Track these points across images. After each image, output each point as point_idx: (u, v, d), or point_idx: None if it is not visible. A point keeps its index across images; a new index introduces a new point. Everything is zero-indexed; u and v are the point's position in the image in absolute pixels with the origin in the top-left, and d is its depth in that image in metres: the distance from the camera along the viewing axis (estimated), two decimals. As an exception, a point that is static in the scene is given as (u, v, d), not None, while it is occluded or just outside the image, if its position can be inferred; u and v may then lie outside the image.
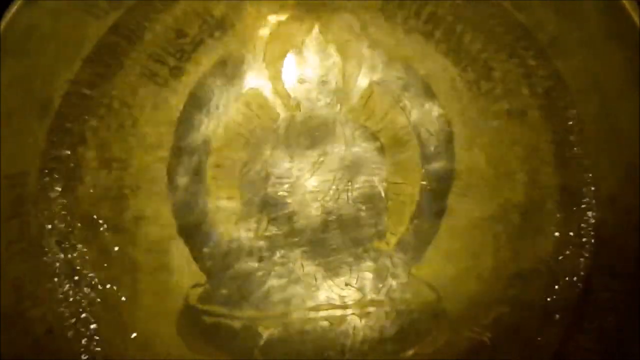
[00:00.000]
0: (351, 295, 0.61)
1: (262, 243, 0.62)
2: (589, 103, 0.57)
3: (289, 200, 0.63)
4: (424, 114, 0.63)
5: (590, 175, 0.57)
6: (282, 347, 0.59)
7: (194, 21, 0.61)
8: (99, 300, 0.58)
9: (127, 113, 0.60)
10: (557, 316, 0.57)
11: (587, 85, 0.56)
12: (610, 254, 0.56)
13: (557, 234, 0.58)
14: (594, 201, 0.57)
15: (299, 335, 0.60)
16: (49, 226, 0.57)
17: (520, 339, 0.58)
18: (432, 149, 0.63)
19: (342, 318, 0.61)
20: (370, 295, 0.61)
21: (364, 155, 0.63)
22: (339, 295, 0.61)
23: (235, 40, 0.62)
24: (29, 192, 0.56)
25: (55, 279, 0.57)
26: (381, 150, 0.63)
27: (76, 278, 0.58)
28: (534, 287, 0.58)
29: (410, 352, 0.59)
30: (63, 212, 0.58)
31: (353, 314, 0.61)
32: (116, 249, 0.59)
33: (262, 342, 0.59)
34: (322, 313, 0.61)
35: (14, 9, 0.52)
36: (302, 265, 0.62)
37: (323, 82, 0.64)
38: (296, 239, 0.62)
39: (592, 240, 0.57)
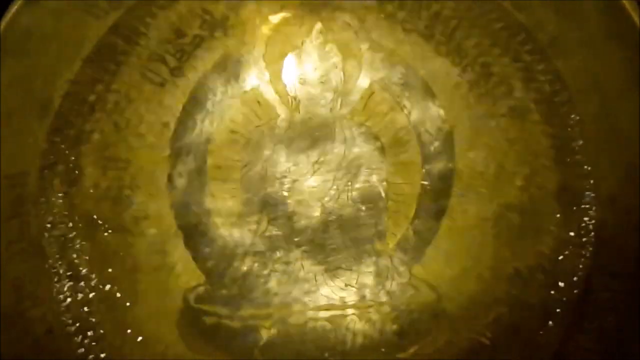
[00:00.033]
0: (351, 295, 0.61)
1: (262, 243, 0.62)
2: (589, 103, 0.57)
3: (289, 201, 0.63)
4: (424, 114, 0.63)
5: (590, 175, 0.57)
6: (282, 347, 0.59)
7: (194, 21, 0.61)
8: (99, 300, 0.58)
9: (127, 113, 0.60)
10: (557, 316, 0.57)
11: (587, 85, 0.56)
12: (610, 254, 0.56)
13: (557, 234, 0.58)
14: (594, 201, 0.57)
15: (299, 335, 0.60)
16: (49, 226, 0.57)
17: (520, 339, 0.58)
18: (432, 149, 0.63)
19: (342, 318, 0.61)
20: (371, 296, 0.61)
21: (364, 156, 0.63)
22: (339, 296, 0.61)
23: (235, 40, 0.62)
24: (29, 192, 0.56)
25: (55, 279, 0.57)
26: (381, 150, 0.63)
27: (76, 278, 0.58)
28: (534, 287, 0.58)
29: (410, 352, 0.59)
30: (63, 212, 0.58)
31: (353, 314, 0.61)
32: (116, 249, 0.59)
33: (262, 342, 0.59)
34: (322, 313, 0.61)
35: (14, 9, 0.52)
36: (302, 266, 0.62)
37: (323, 82, 0.64)
38: (296, 239, 0.62)
39: (592, 240, 0.57)
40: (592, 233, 0.57)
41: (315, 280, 0.62)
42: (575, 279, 0.57)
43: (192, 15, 0.60)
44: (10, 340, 0.53)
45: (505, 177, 0.61)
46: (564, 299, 0.57)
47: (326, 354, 0.59)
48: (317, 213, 0.63)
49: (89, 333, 0.57)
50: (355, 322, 0.60)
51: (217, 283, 0.61)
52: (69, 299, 0.57)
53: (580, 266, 0.57)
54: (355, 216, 0.63)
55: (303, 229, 0.62)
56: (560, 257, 0.58)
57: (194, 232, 0.62)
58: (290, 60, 0.63)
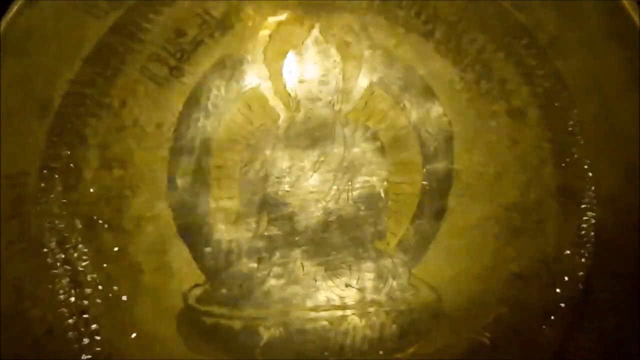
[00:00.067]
0: (351, 295, 0.61)
1: (261, 243, 0.62)
2: (589, 103, 0.57)
3: (289, 200, 0.63)
4: (424, 114, 0.63)
5: (590, 175, 0.57)
6: (282, 347, 0.59)
7: (194, 21, 0.61)
8: (99, 300, 0.58)
9: (127, 113, 0.60)
10: (557, 316, 0.57)
11: (587, 85, 0.56)
12: (610, 254, 0.56)
13: (557, 233, 0.58)
14: (594, 201, 0.57)
15: (299, 335, 0.60)
16: (49, 226, 0.57)
17: (520, 339, 0.57)
18: (432, 149, 0.63)
19: (342, 318, 0.60)
20: (371, 296, 0.61)
21: (364, 156, 0.63)
22: (339, 296, 0.61)
23: (235, 40, 0.62)
24: (29, 192, 0.56)
25: (55, 279, 0.57)
26: (381, 150, 0.63)
27: (76, 278, 0.58)
28: (534, 287, 0.58)
29: (410, 352, 0.59)
30: (63, 212, 0.58)
31: (353, 314, 0.61)
32: (116, 249, 0.59)
33: (262, 342, 0.59)
34: (322, 313, 0.61)
35: (14, 9, 0.52)
36: (302, 265, 0.62)
37: (323, 82, 0.64)
38: (296, 239, 0.62)
39: (592, 240, 0.57)
40: (592, 233, 0.57)
41: (315, 281, 0.62)
42: (575, 279, 0.57)
43: (192, 15, 0.60)
44: (10, 340, 0.53)
45: (505, 177, 0.61)
46: (564, 299, 0.57)
47: (326, 354, 0.59)
48: (317, 213, 0.63)
49: (89, 333, 0.57)
50: (355, 322, 0.60)
51: (217, 283, 0.61)
52: (69, 299, 0.57)
53: (580, 266, 0.57)
54: (355, 216, 0.63)
55: (303, 229, 0.62)
56: (560, 257, 0.58)
57: (194, 232, 0.62)
58: (290, 60, 0.63)
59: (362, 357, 0.60)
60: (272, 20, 0.63)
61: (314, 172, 0.63)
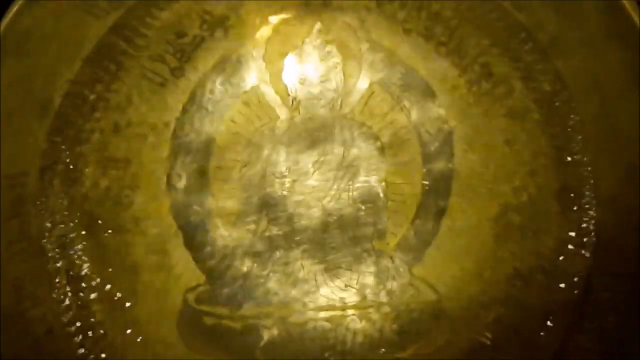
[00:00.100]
0: (351, 296, 0.61)
1: (261, 243, 0.62)
2: (589, 103, 0.57)
3: (289, 201, 0.63)
4: (424, 114, 0.63)
5: (590, 175, 0.57)
6: (282, 347, 0.59)
7: (194, 21, 0.61)
8: (99, 300, 0.58)
9: (127, 113, 0.60)
10: (557, 316, 0.57)
11: (587, 85, 0.56)
12: (610, 254, 0.56)
13: (557, 233, 0.58)
14: (594, 201, 0.57)
15: (299, 335, 0.60)
16: (49, 226, 0.57)
17: (520, 339, 0.58)
18: (432, 149, 0.63)
19: (342, 318, 0.60)
20: (371, 297, 0.61)
21: (363, 156, 0.63)
22: (339, 296, 0.61)
23: (235, 40, 0.62)
24: (29, 192, 0.56)
25: (55, 279, 0.57)
26: (381, 150, 0.63)
27: (76, 278, 0.58)
28: (534, 287, 0.58)
29: (410, 352, 0.59)
30: (63, 212, 0.58)
31: (353, 314, 0.61)
32: (116, 249, 0.59)
33: (262, 343, 0.59)
34: (322, 314, 0.61)
35: (14, 9, 0.52)
36: (302, 265, 0.62)
37: (323, 82, 0.64)
38: (296, 239, 0.62)
39: (592, 240, 0.57)
40: (592, 233, 0.57)
41: (315, 281, 0.62)
42: (575, 279, 0.57)
43: (192, 15, 0.60)
44: (10, 340, 0.53)
45: (505, 177, 0.61)
46: (564, 299, 0.57)
47: (326, 354, 0.59)
48: (316, 213, 0.63)
49: (89, 333, 0.57)
50: (355, 322, 0.60)
51: (218, 283, 0.61)
52: (69, 299, 0.57)
53: (580, 266, 0.57)
54: (355, 216, 0.63)
55: (303, 229, 0.62)
56: (560, 257, 0.58)
57: (194, 232, 0.62)
58: (290, 60, 0.63)
59: (362, 357, 0.60)
60: (272, 20, 0.63)
61: (314, 172, 0.63)
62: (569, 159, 0.59)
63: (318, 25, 0.63)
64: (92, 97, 0.58)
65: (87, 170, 0.59)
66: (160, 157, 0.62)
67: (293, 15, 0.63)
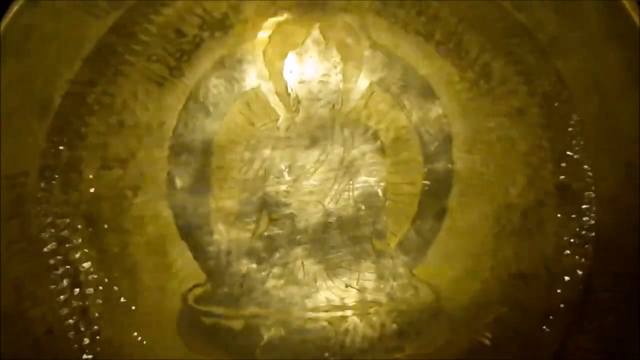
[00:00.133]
0: (351, 296, 0.61)
1: (261, 243, 0.62)
2: (589, 103, 0.57)
3: (289, 200, 0.63)
4: (424, 114, 0.63)
5: (590, 175, 0.57)
6: (282, 347, 0.59)
7: (194, 21, 0.61)
8: (99, 300, 0.58)
9: (127, 113, 0.60)
10: (557, 316, 0.57)
11: (587, 85, 0.56)
12: (610, 254, 0.56)
13: (557, 234, 0.58)
14: (594, 201, 0.57)
15: (299, 335, 0.60)
16: (49, 226, 0.57)
17: (520, 339, 0.57)
18: (432, 149, 0.63)
19: (342, 318, 0.60)
20: (371, 296, 0.61)
21: (363, 156, 0.63)
22: (339, 297, 0.61)
23: (235, 40, 0.62)
24: (29, 192, 0.56)
25: (56, 279, 0.57)
26: (381, 150, 0.63)
27: (76, 278, 0.58)
28: (534, 287, 0.58)
29: (410, 352, 0.59)
30: (63, 212, 0.58)
31: (353, 314, 0.61)
32: (116, 249, 0.59)
33: (262, 342, 0.59)
34: (322, 314, 0.61)
35: (14, 9, 0.52)
36: (302, 265, 0.62)
37: (323, 83, 0.64)
38: (297, 238, 0.62)
39: (592, 240, 0.57)
40: (592, 233, 0.57)
41: (315, 280, 0.62)
42: (575, 279, 0.57)
43: (192, 15, 0.60)
44: (10, 340, 0.53)
45: (505, 177, 0.61)
46: (564, 299, 0.57)
47: (326, 354, 0.59)
48: (316, 213, 0.63)
49: (89, 333, 0.57)
50: (355, 322, 0.60)
51: (218, 283, 0.61)
52: (69, 299, 0.57)
53: (581, 266, 0.57)
54: (355, 216, 0.63)
55: (303, 229, 0.62)
56: (560, 257, 0.58)
57: (194, 232, 0.62)
58: (290, 60, 0.63)
59: (362, 357, 0.60)
60: (272, 20, 0.63)
61: (314, 172, 0.63)
62: (569, 159, 0.58)
63: (318, 26, 0.63)
64: (92, 97, 0.58)
65: (87, 170, 0.59)
66: (160, 157, 0.62)
67: (293, 16, 0.63)
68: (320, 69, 0.63)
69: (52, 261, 0.57)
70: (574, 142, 0.58)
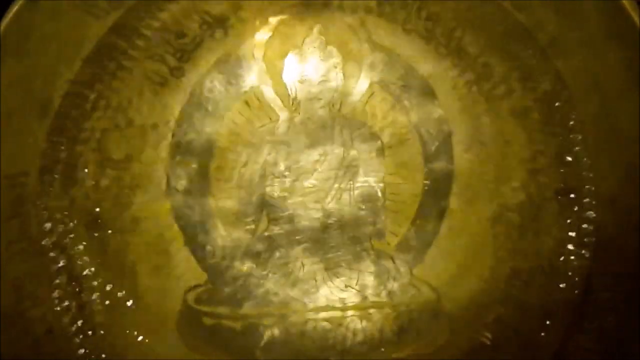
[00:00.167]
0: (351, 297, 0.61)
1: (261, 243, 0.62)
2: (589, 103, 0.57)
3: (289, 200, 0.63)
4: (424, 115, 0.63)
5: (590, 175, 0.57)
6: (282, 347, 0.59)
7: (194, 21, 0.61)
8: (99, 300, 0.58)
9: (127, 113, 0.60)
10: (557, 316, 0.57)
11: (587, 85, 0.56)
12: (610, 254, 0.56)
13: (557, 233, 0.58)
14: (594, 201, 0.57)
15: (299, 335, 0.60)
16: (49, 226, 0.57)
17: (520, 339, 0.57)
18: (432, 149, 0.63)
19: (342, 319, 0.60)
20: (371, 297, 0.61)
21: (363, 156, 0.63)
22: (339, 297, 0.61)
23: (235, 40, 0.62)
24: (29, 192, 0.56)
25: (56, 279, 0.57)
26: (381, 150, 0.63)
27: (76, 278, 0.58)
28: (534, 287, 0.58)
29: (410, 352, 0.59)
30: (63, 212, 0.58)
31: (353, 315, 0.61)
32: (116, 249, 0.59)
33: (262, 342, 0.59)
34: (322, 314, 0.61)
35: (14, 9, 0.52)
36: (302, 264, 0.62)
37: (323, 83, 0.64)
38: (297, 238, 0.62)
39: (592, 240, 0.57)
40: (592, 233, 0.57)
41: (315, 280, 0.62)
42: (575, 279, 0.57)
43: (192, 15, 0.60)
44: (10, 340, 0.53)
45: (505, 177, 0.61)
46: (564, 299, 0.57)
47: (326, 354, 0.59)
48: (316, 213, 0.63)
49: (89, 333, 0.57)
50: (355, 322, 0.60)
51: (217, 283, 0.61)
52: (69, 299, 0.57)
53: (580, 266, 0.57)
54: (355, 216, 0.63)
55: (302, 229, 0.62)
56: (560, 257, 0.58)
57: (194, 232, 0.62)
58: (290, 60, 0.63)
59: (362, 357, 0.60)
60: (272, 20, 0.63)
61: (314, 172, 0.63)
62: (569, 159, 0.58)
63: (318, 26, 0.63)
64: (92, 97, 0.58)
65: (87, 170, 0.59)
66: (160, 157, 0.62)
67: (293, 16, 0.63)
68: (320, 69, 0.63)
69: (52, 261, 0.57)
70: (574, 142, 0.58)
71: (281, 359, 0.59)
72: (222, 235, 0.62)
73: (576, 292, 0.57)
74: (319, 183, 0.63)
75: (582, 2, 0.55)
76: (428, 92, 0.63)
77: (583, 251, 0.57)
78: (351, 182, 0.63)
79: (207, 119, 0.62)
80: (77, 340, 0.56)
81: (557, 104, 0.59)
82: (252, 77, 0.63)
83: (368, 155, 0.63)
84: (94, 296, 0.58)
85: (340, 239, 0.63)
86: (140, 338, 0.58)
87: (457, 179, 0.62)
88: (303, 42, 0.63)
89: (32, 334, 0.54)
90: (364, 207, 0.63)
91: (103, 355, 0.57)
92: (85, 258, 0.58)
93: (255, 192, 0.63)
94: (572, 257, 0.58)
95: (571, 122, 0.58)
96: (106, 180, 0.60)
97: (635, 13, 0.52)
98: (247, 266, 0.62)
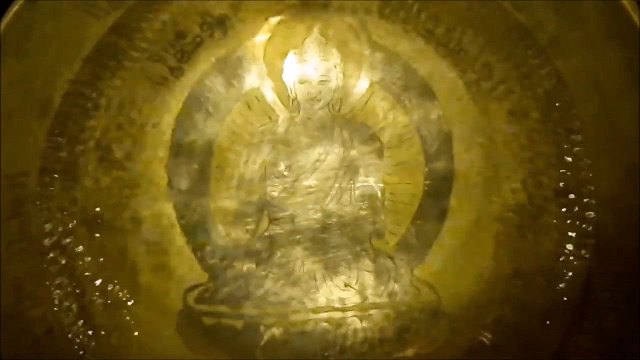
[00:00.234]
0: (351, 297, 0.61)
1: (261, 243, 0.62)
2: (589, 103, 0.57)
3: (289, 200, 0.63)
4: (424, 115, 0.63)
5: (590, 175, 0.57)
6: (282, 347, 0.59)
7: (194, 21, 0.61)
8: (99, 300, 0.58)
9: (127, 113, 0.60)
10: (557, 316, 0.57)
11: (587, 85, 0.56)
12: (610, 254, 0.56)
13: (557, 234, 0.58)
14: (594, 201, 0.57)
15: (299, 335, 0.60)
16: (49, 226, 0.57)
17: (520, 339, 0.57)
18: (433, 149, 0.63)
19: (342, 319, 0.60)
20: (371, 297, 0.61)
21: (363, 156, 0.63)
22: (338, 297, 0.61)
23: (235, 40, 0.62)
24: (29, 192, 0.56)
25: (56, 279, 0.57)
26: (380, 150, 0.63)
27: (76, 278, 0.58)
28: (534, 287, 0.58)
29: (410, 352, 0.59)
30: (63, 212, 0.58)
31: (353, 315, 0.60)
32: (116, 249, 0.59)
33: (262, 342, 0.59)
34: (322, 314, 0.61)
35: (14, 9, 0.52)
36: (303, 264, 0.62)
37: (323, 83, 0.64)
38: (297, 238, 0.62)
39: (592, 240, 0.57)
40: (592, 233, 0.57)
41: (315, 280, 0.62)
42: (575, 279, 0.57)
43: (192, 15, 0.60)
44: (10, 340, 0.53)
45: (505, 177, 0.61)
46: (564, 299, 0.57)
47: (326, 354, 0.59)
48: (316, 213, 0.63)
49: (89, 333, 0.57)
50: (355, 323, 0.60)
51: (218, 283, 0.61)
52: (69, 299, 0.57)
53: (580, 266, 0.57)
54: (355, 215, 0.63)
55: (302, 229, 0.62)
56: (560, 258, 0.58)
57: (195, 232, 0.62)
58: (290, 60, 0.63)
59: (363, 357, 0.60)
60: (272, 20, 0.63)
61: (314, 171, 0.63)
62: (569, 159, 0.58)
63: (318, 26, 0.63)
64: (92, 97, 0.58)
65: (87, 170, 0.59)
66: (160, 157, 0.62)
67: (293, 16, 0.63)
68: (320, 69, 0.63)
69: (52, 261, 0.57)
70: (574, 142, 0.58)
71: (281, 359, 0.59)
72: (222, 235, 0.62)
73: (576, 292, 0.57)
74: (319, 183, 0.63)
75: (582, 2, 0.55)
76: (428, 92, 0.63)
77: (583, 251, 0.57)
78: (351, 182, 0.63)
79: (207, 119, 0.62)
80: (77, 340, 0.56)
81: (557, 104, 0.58)
82: (252, 77, 0.63)
83: (368, 155, 0.63)
84: (94, 296, 0.58)
85: (340, 239, 0.63)
86: (140, 338, 0.58)
87: (458, 179, 0.62)
88: (303, 42, 0.63)
89: (32, 334, 0.54)
90: (364, 207, 0.63)
91: (103, 355, 0.57)
92: (86, 258, 0.58)
93: (256, 192, 0.63)
94: (572, 257, 0.58)
95: (571, 122, 0.58)
96: (106, 180, 0.60)
97: (635, 13, 0.52)
98: (247, 266, 0.62)
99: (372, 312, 0.61)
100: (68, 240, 0.58)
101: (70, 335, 0.56)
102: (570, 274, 0.57)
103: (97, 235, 0.59)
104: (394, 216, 0.63)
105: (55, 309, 0.56)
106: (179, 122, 0.62)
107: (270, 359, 0.59)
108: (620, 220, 0.55)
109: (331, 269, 0.62)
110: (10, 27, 0.52)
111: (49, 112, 0.56)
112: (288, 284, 0.61)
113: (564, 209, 0.59)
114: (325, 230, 0.63)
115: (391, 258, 0.62)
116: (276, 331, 0.60)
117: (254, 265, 0.62)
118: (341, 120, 0.64)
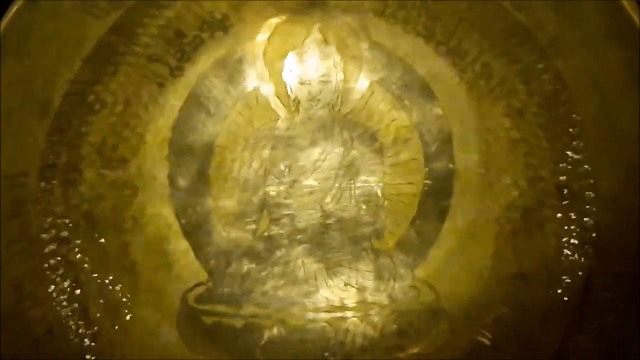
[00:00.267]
0: (351, 297, 0.61)
1: (261, 243, 0.62)
2: (589, 103, 0.57)
3: (289, 200, 0.63)
4: (424, 114, 0.63)
5: (590, 175, 0.57)
6: (282, 347, 0.59)
7: (194, 21, 0.61)
8: (99, 300, 0.58)
9: (127, 113, 0.60)
10: (557, 316, 0.57)
11: (587, 85, 0.56)
12: (610, 254, 0.56)
13: (557, 234, 0.58)
14: (594, 201, 0.57)
15: (299, 335, 0.60)
16: (49, 226, 0.57)
17: (520, 339, 0.57)
18: (433, 149, 0.63)
19: (342, 319, 0.60)
20: (371, 297, 0.61)
21: (363, 156, 0.63)
22: (338, 297, 0.61)
23: (235, 41, 0.62)
24: (29, 192, 0.56)
25: (56, 279, 0.57)
26: (380, 150, 0.63)
27: (76, 278, 0.58)
28: (534, 287, 0.58)
29: (410, 352, 0.59)
30: (63, 212, 0.58)
31: (353, 315, 0.60)
32: (116, 249, 0.59)
33: (262, 342, 0.59)
34: (322, 314, 0.61)
35: (14, 9, 0.52)
36: (303, 264, 0.62)
37: (323, 83, 0.64)
38: (297, 238, 0.62)
39: (592, 240, 0.57)
40: (592, 233, 0.57)
41: (315, 280, 0.62)
42: (575, 279, 0.57)
43: (192, 15, 0.60)
44: (10, 340, 0.53)
45: (505, 177, 0.61)
46: (564, 299, 0.57)
47: (326, 354, 0.59)
48: (316, 212, 0.63)
49: (89, 333, 0.57)
50: (355, 323, 0.60)
51: (218, 282, 0.61)
52: (69, 299, 0.57)
53: (581, 266, 0.57)
54: (355, 215, 0.63)
55: (303, 229, 0.62)
56: (560, 257, 0.58)
57: (195, 232, 0.62)
58: (290, 60, 0.63)
59: (362, 357, 0.60)
60: (272, 20, 0.63)
61: (314, 171, 0.63)
62: (569, 159, 0.58)
63: (318, 26, 0.63)
64: (92, 97, 0.58)
65: (86, 170, 0.59)
66: (160, 157, 0.62)
67: (293, 16, 0.63)
68: (320, 69, 0.63)
69: (52, 261, 0.57)
70: (574, 142, 0.58)
71: (281, 359, 0.59)
72: (222, 235, 0.62)
73: (576, 292, 0.57)
74: (319, 183, 0.63)
75: (582, 2, 0.55)
76: (428, 92, 0.63)
77: (583, 251, 0.57)
78: (351, 182, 0.63)
79: (207, 119, 0.62)
80: (77, 340, 0.56)
81: (557, 104, 0.58)
82: (252, 77, 0.63)
83: (368, 155, 0.63)
84: (94, 296, 0.58)
85: (340, 239, 0.63)
86: (140, 338, 0.58)
87: (458, 179, 0.62)
88: (303, 42, 0.63)
89: (32, 334, 0.54)
90: (364, 207, 0.63)
91: (103, 355, 0.57)
92: (85, 258, 0.58)
93: (256, 192, 0.63)
94: (572, 257, 0.58)
95: (571, 122, 0.58)
96: (106, 180, 0.60)
97: (635, 13, 0.52)
98: (247, 266, 0.62)
99: (372, 312, 0.61)
100: (68, 240, 0.58)
101: (70, 335, 0.56)
102: (570, 274, 0.57)
103: (98, 235, 0.59)
104: (394, 216, 0.63)
105: (55, 309, 0.56)
106: (179, 122, 0.62)
107: (270, 359, 0.59)
108: (620, 220, 0.55)
109: (331, 269, 0.62)
110: (10, 27, 0.52)
111: (49, 112, 0.56)
112: (288, 284, 0.61)
113: (564, 209, 0.59)
114: (325, 230, 0.63)
115: (391, 258, 0.62)
116: (276, 331, 0.60)
117: (254, 265, 0.62)
118: (341, 120, 0.64)
